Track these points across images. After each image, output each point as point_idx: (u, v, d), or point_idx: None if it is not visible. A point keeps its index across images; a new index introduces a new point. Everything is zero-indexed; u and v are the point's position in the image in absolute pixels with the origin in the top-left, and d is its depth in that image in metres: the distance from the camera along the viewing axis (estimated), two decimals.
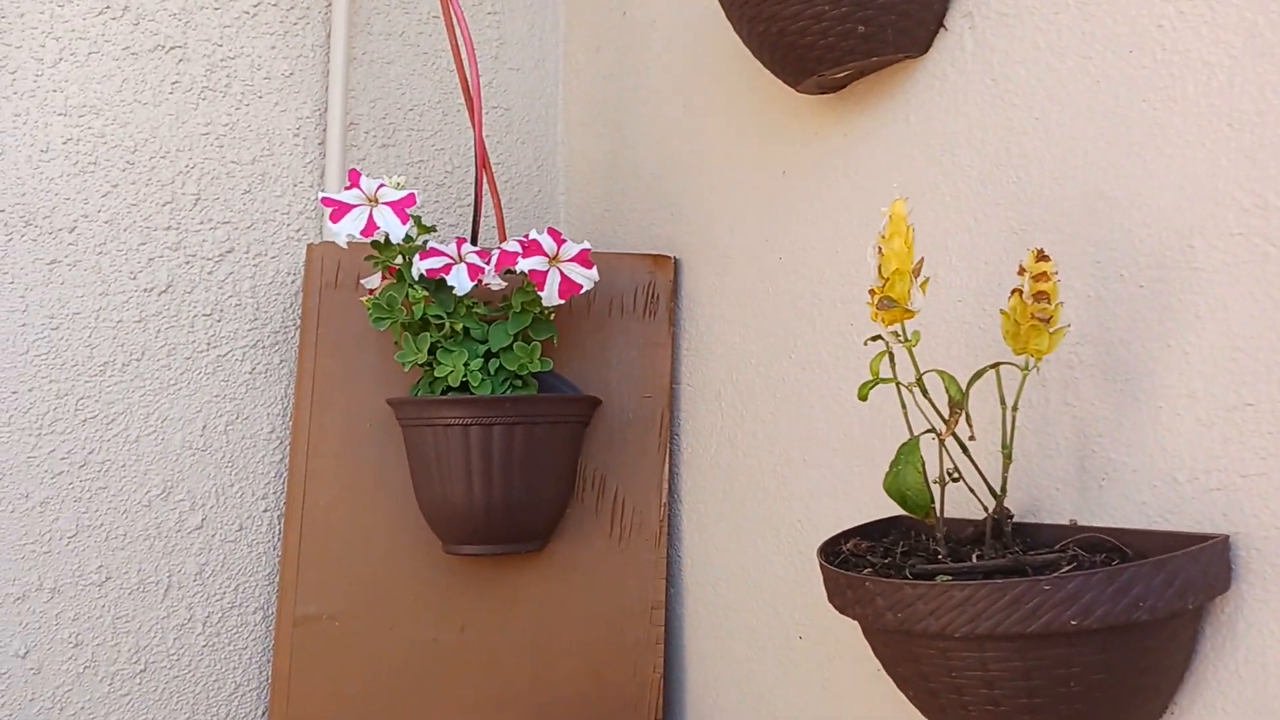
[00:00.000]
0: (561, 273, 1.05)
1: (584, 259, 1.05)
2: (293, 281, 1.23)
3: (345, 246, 1.05)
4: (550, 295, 1.04)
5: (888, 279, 0.67)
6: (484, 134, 1.23)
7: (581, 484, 1.17)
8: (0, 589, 1.07)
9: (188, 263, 1.18)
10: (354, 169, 1.07)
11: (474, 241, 1.13)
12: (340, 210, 1.02)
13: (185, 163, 1.18)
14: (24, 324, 1.10)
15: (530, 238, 1.05)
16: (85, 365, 1.12)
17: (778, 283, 1.03)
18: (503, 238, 1.22)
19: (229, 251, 1.20)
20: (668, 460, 1.18)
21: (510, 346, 1.07)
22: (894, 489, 0.68)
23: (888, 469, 0.69)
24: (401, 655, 1.14)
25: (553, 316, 1.11)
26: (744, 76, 1.08)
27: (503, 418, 1.04)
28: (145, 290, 1.15)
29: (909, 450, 0.67)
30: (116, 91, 1.15)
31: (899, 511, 0.88)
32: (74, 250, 1.12)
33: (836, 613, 0.89)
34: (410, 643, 1.14)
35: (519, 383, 1.09)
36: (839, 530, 0.94)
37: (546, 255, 1.04)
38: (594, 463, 1.18)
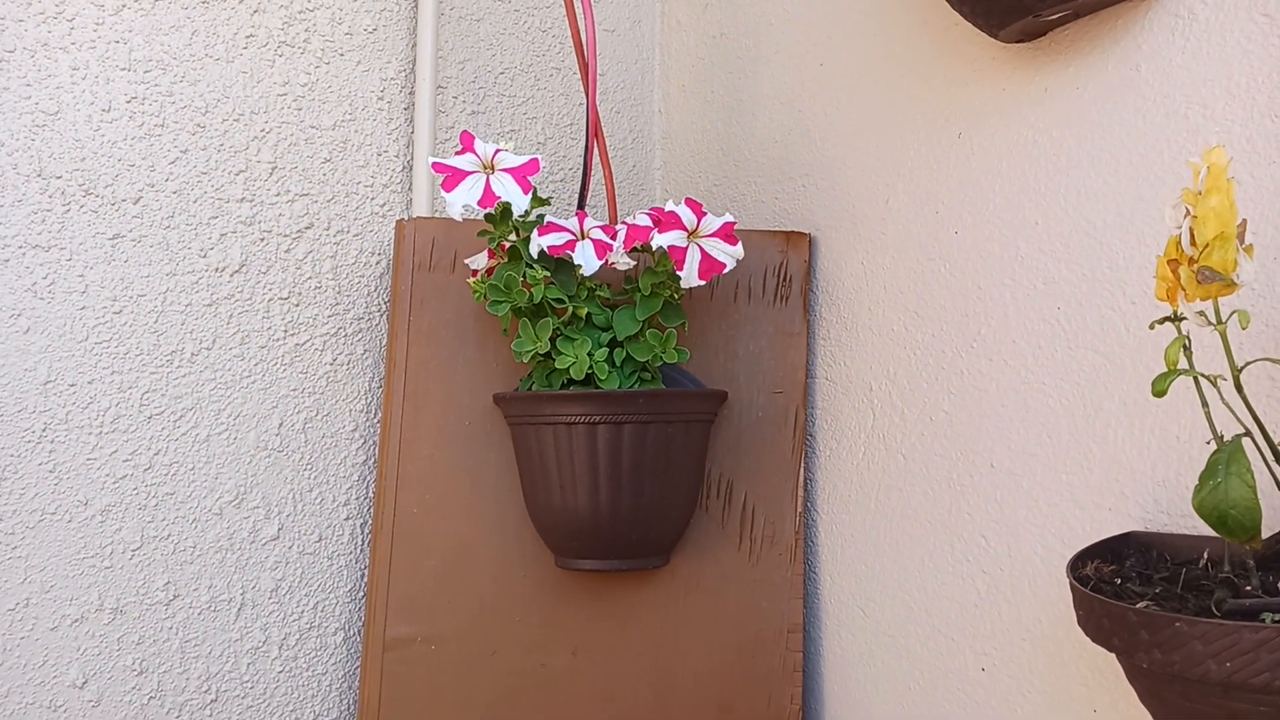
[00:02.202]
0: (702, 249, 0.92)
1: (728, 233, 0.92)
2: (378, 262, 1.10)
3: (460, 219, 0.92)
4: (690, 276, 0.91)
5: (1206, 245, 0.54)
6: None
7: (706, 490, 1.04)
8: (56, 610, 0.94)
9: (263, 239, 1.04)
10: (467, 131, 0.93)
11: None
12: (454, 177, 0.88)
13: (261, 126, 1.05)
14: (83, 307, 0.96)
15: (667, 209, 0.92)
16: (151, 354, 0.99)
17: (953, 261, 0.90)
18: (613, 215, 1.09)
19: (308, 227, 1.07)
20: (802, 465, 1.05)
21: (639, 334, 0.94)
22: (1210, 506, 0.55)
23: (1199, 481, 0.56)
24: (505, 683, 1.01)
25: (682, 301, 0.97)
26: (907, 26, 0.95)
27: (635, 415, 0.91)
28: (216, 270, 1.02)
29: (1232, 458, 0.54)
30: (186, 45, 1.02)
31: (1127, 528, 0.75)
32: (139, 224, 0.99)
33: (1025, 643, 0.77)
34: (515, 669, 1.01)
35: (646, 375, 0.96)
36: (1039, 547, 0.81)
37: (685, 229, 0.91)
38: (719, 467, 1.05)
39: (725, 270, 0.92)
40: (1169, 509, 0.73)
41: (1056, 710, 0.79)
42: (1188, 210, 0.55)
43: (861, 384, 1.00)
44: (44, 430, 0.94)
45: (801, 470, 1.05)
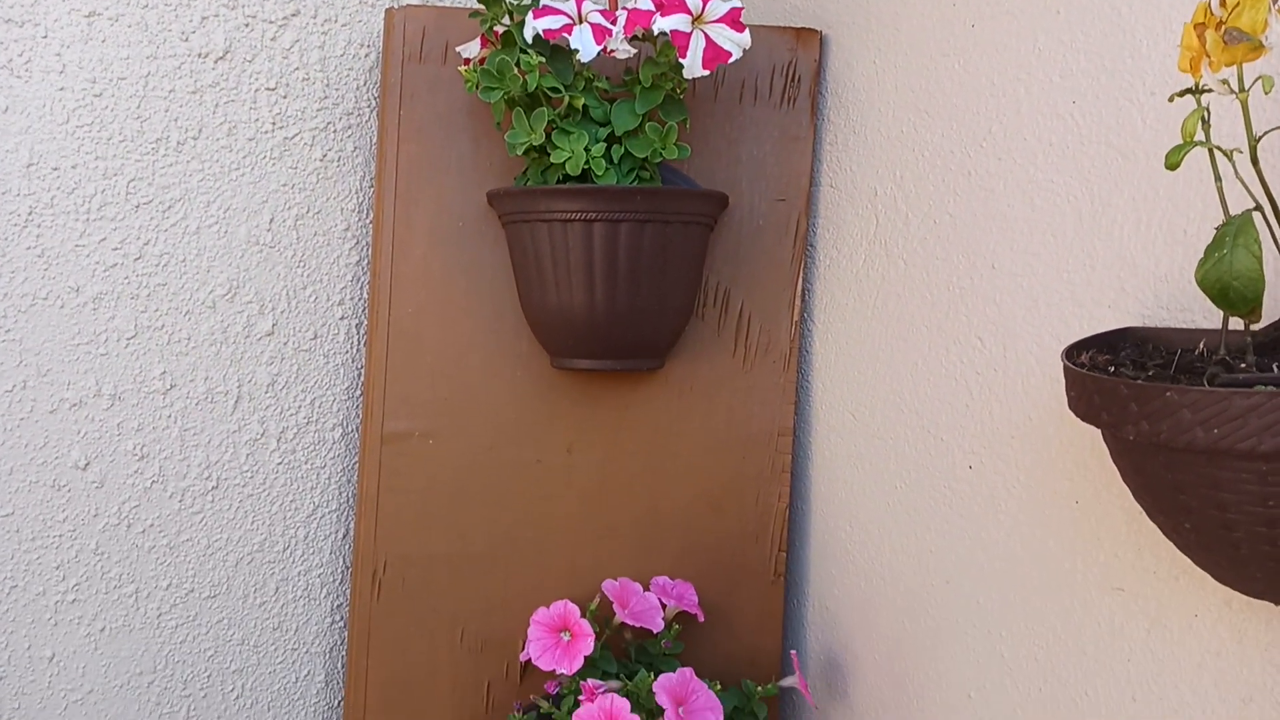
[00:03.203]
0: (707, 36, 0.88)
1: (734, 19, 0.88)
2: (367, 54, 1.05)
3: (450, 4, 0.87)
4: (693, 64, 0.87)
5: (1235, 5, 0.51)
6: None
7: (703, 299, 1.03)
8: (54, 394, 0.95)
9: (247, 25, 1.00)
10: None
11: None
12: None
13: None
14: (62, 88, 0.93)
15: None
16: (135, 141, 0.96)
17: (968, 57, 0.86)
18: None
19: (294, 14, 1.02)
20: (801, 274, 1.04)
21: (638, 129, 0.91)
22: (1214, 278, 0.54)
23: (1204, 254, 0.55)
24: (502, 478, 1.03)
25: (684, 96, 0.94)
26: None
27: (633, 213, 0.89)
28: (199, 55, 0.98)
29: (1240, 229, 0.53)
30: None
31: (1124, 324, 0.75)
32: (115, 1, 0.94)
33: (1014, 440, 0.78)
34: (511, 464, 1.03)
35: (645, 174, 0.93)
36: (1034, 346, 0.81)
37: (690, 13, 0.87)
38: (717, 275, 1.04)
39: (731, 60, 0.88)
40: (1169, 303, 0.72)
41: (1039, 504, 0.81)
42: None
43: (866, 189, 0.98)
44: (29, 214, 0.92)
45: (800, 280, 1.04)
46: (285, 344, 1.04)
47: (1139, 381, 0.56)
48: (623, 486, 1.04)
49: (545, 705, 0.94)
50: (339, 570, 1.09)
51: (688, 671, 0.90)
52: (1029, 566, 0.82)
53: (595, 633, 0.93)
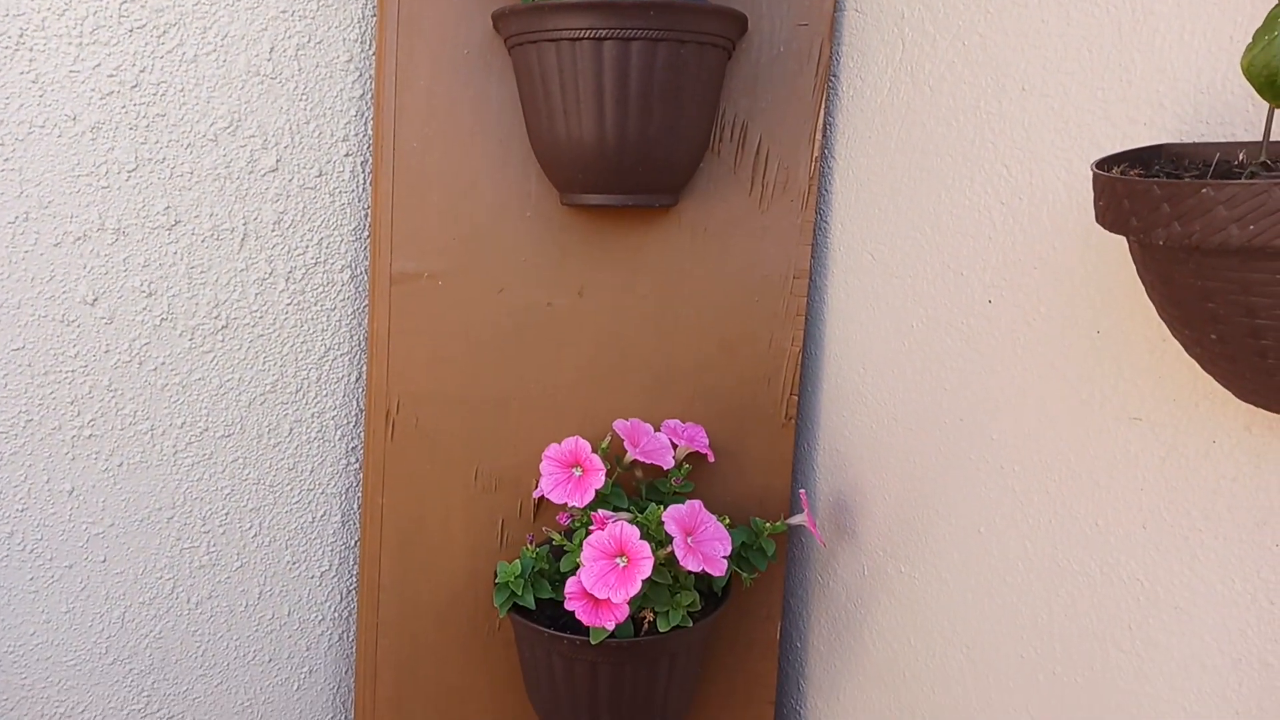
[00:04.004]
0: None
1: None
2: None
3: None
4: None
5: None
6: None
7: (719, 132, 1.00)
8: (58, 226, 0.93)
9: None
10: None
11: None
12: None
13: None
14: None
15: None
16: None
17: None
18: None
19: None
20: (823, 106, 1.00)
21: None
22: (1261, 64, 0.50)
23: (1253, 39, 0.51)
24: (512, 320, 1.02)
25: None
26: None
27: (645, 30, 0.84)
28: None
29: None
30: None
31: (1158, 140, 0.71)
32: None
33: (1031, 276, 0.75)
34: (522, 306, 1.02)
35: None
36: (1063, 171, 0.78)
37: None
38: (734, 107, 1.00)
39: None
40: (1209, 116, 0.68)
41: (1060, 335, 0.79)
42: None
43: (893, 12, 0.92)
44: (20, 36, 0.89)
45: (822, 112, 1.00)
46: (290, 181, 1.01)
47: (1173, 180, 0.53)
48: (634, 330, 1.03)
49: (558, 537, 0.95)
50: (353, 414, 1.09)
51: (697, 503, 0.90)
52: (1046, 400, 0.80)
53: (606, 470, 0.93)
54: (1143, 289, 0.70)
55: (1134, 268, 0.65)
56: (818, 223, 1.04)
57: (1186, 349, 0.60)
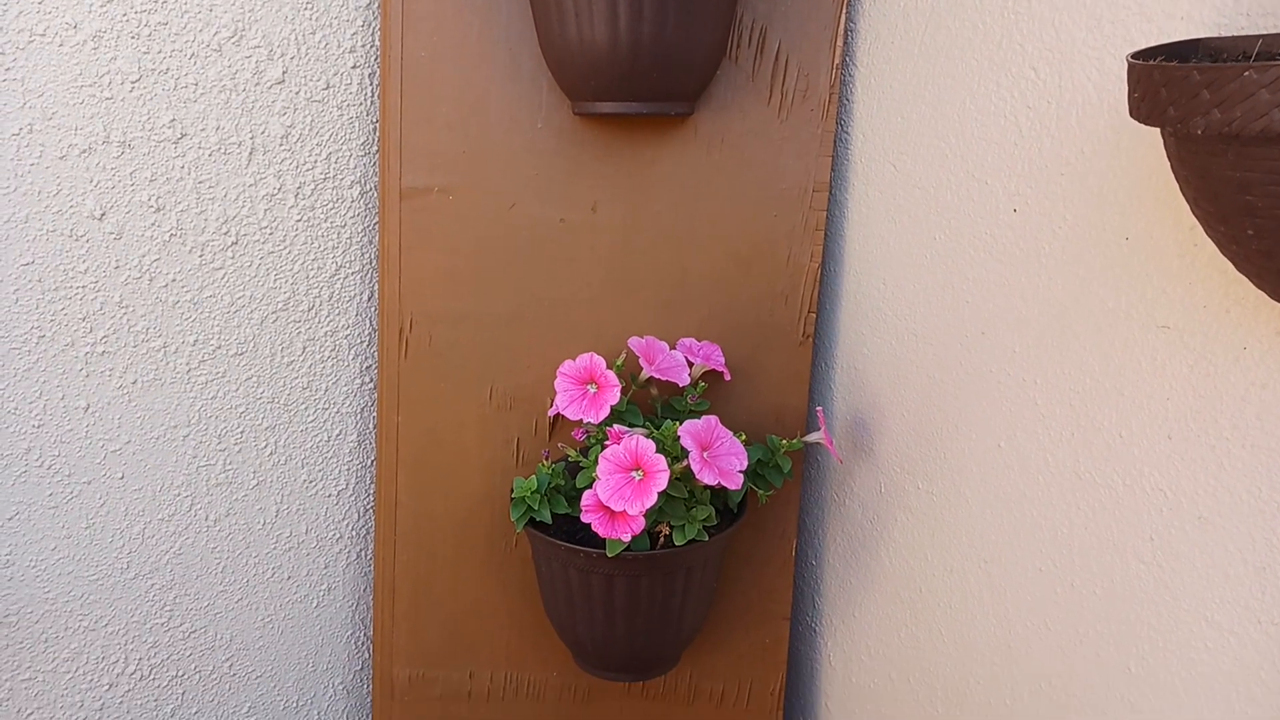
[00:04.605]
0: None
1: None
2: None
3: None
4: None
5: None
6: None
7: (736, 38, 0.97)
8: (62, 139, 0.92)
9: None
10: None
11: None
12: None
13: None
14: None
15: None
16: None
17: None
18: None
19: None
20: (844, 11, 0.96)
21: None
22: None
23: None
24: (525, 235, 1.00)
25: None
26: None
27: None
28: None
29: None
30: None
31: (1196, 36, 0.68)
32: None
33: (1058, 183, 0.73)
34: (534, 222, 1.00)
35: None
36: (1093, 73, 0.75)
37: None
38: (752, 11, 0.96)
39: None
40: (1251, 8, 0.65)
41: (1086, 242, 0.77)
42: None
43: None
44: None
45: (844, 16, 0.96)
46: (297, 93, 0.99)
47: (1214, 65, 0.51)
48: (649, 246, 1.01)
49: (573, 454, 0.95)
50: (366, 333, 1.08)
51: (713, 419, 0.89)
52: (1070, 310, 0.78)
53: (621, 388, 0.92)
54: (1174, 192, 0.68)
55: (1167, 168, 0.63)
56: (838, 133, 1.01)
57: (1220, 248, 0.58)
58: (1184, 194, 0.59)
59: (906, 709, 1.00)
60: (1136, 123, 0.59)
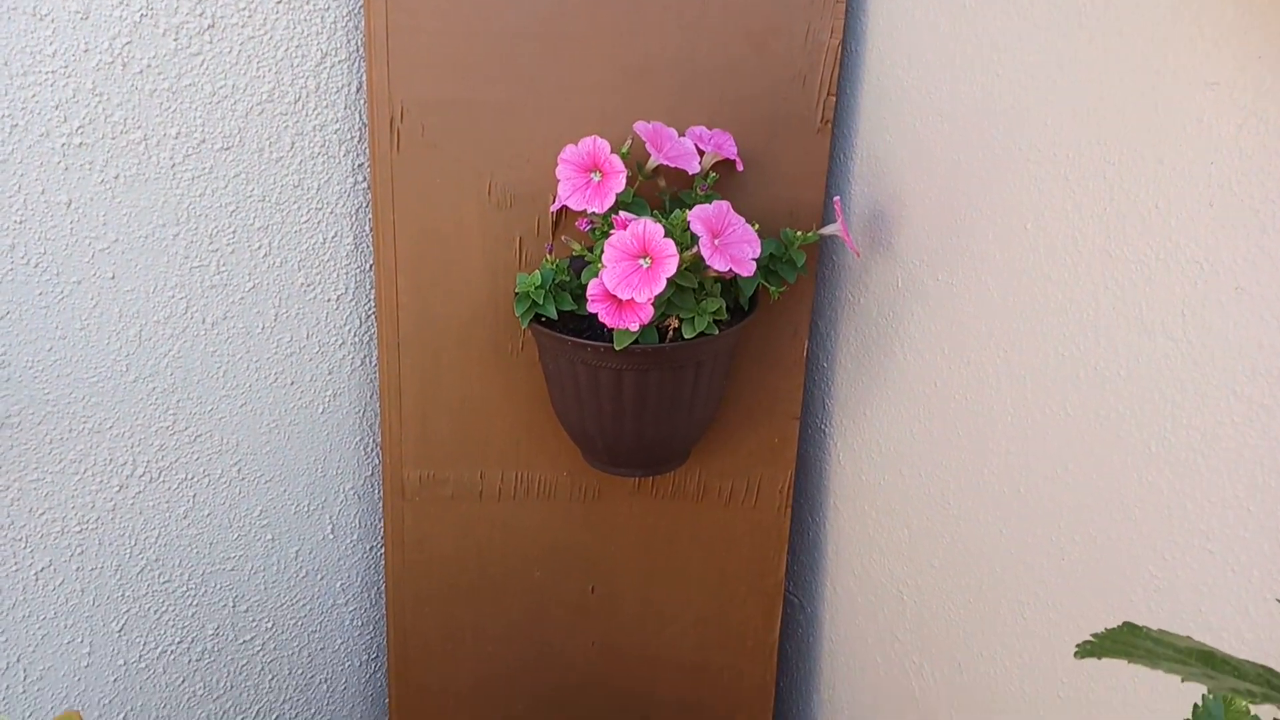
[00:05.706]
0: None
1: None
2: None
3: None
4: None
5: None
6: None
7: None
8: None
9: None
10: None
11: None
12: None
13: None
14: None
15: None
16: None
17: None
18: None
19: None
20: None
21: None
22: None
23: None
24: (521, 15, 0.93)
25: None
26: None
27: None
28: None
29: None
30: None
31: None
32: None
33: None
34: None
35: None
36: None
37: None
38: None
39: None
40: None
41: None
42: None
43: None
44: None
45: None
46: None
47: None
48: (656, 22, 0.94)
49: (578, 247, 0.91)
50: (356, 127, 1.03)
51: (725, 204, 0.85)
52: (1110, 74, 0.73)
53: (627, 176, 0.88)
54: None
55: None
56: None
57: None
58: None
59: (916, 503, 1.00)
60: None
